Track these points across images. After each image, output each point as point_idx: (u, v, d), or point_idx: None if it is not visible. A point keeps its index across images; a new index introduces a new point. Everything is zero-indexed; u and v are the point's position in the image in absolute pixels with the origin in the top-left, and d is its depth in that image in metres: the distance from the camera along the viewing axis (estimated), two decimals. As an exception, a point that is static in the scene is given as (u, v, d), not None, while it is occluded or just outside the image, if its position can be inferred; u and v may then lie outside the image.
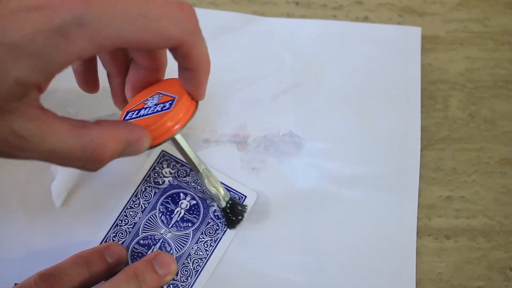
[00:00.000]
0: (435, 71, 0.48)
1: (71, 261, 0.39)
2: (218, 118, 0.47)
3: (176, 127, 0.37)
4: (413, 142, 0.46)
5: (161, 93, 0.38)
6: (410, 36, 0.49)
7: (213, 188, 0.42)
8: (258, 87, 0.47)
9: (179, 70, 0.36)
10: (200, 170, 0.42)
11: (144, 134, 0.35)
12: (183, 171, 0.45)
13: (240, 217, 0.43)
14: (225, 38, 0.49)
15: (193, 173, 0.44)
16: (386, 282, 0.42)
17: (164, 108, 0.37)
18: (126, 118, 0.38)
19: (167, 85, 0.39)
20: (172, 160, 0.45)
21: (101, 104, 0.46)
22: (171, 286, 0.42)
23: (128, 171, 0.45)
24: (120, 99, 0.41)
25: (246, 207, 0.44)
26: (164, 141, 0.37)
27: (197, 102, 0.38)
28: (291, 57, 0.48)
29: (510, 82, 0.48)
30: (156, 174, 0.45)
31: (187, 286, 0.42)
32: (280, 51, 0.48)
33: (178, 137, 0.39)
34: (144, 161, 0.45)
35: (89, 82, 0.40)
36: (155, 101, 0.38)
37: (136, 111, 0.38)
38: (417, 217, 0.44)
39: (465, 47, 0.49)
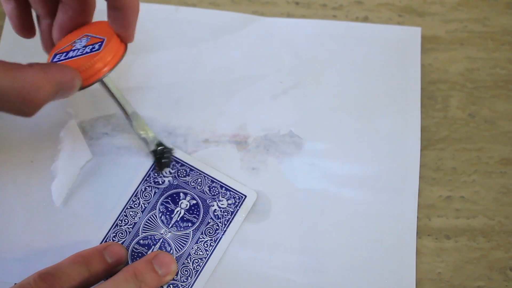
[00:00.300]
0: (435, 71, 0.48)
1: (71, 260, 0.39)
2: (218, 118, 0.47)
3: (105, 69, 0.37)
4: (413, 142, 0.46)
5: (89, 35, 0.38)
6: (410, 36, 0.49)
7: (142, 131, 0.43)
8: (258, 87, 0.47)
9: (108, 10, 0.36)
10: (129, 113, 0.42)
11: (76, 75, 0.36)
12: (183, 171, 0.45)
13: (167, 160, 0.44)
14: (225, 38, 0.49)
15: (193, 172, 0.44)
16: (386, 282, 0.42)
17: (93, 50, 0.37)
18: (54, 60, 0.38)
19: (96, 27, 0.39)
20: (172, 160, 0.45)
21: (100, 105, 0.46)
22: (171, 286, 0.42)
23: (128, 171, 0.45)
24: (49, 42, 0.40)
25: (173, 150, 0.44)
26: (93, 83, 0.37)
27: (126, 44, 0.38)
28: (291, 57, 0.48)
29: (510, 82, 0.48)
30: (156, 174, 0.45)
31: (187, 286, 0.42)
32: (280, 51, 0.48)
33: (106, 79, 0.39)
34: (144, 161, 0.45)
35: (24, 26, 0.40)
36: (83, 43, 0.38)
37: (65, 53, 0.38)
38: (417, 217, 0.44)
39: (465, 47, 0.49)
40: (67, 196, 0.44)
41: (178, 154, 0.45)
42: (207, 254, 0.43)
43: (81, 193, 0.45)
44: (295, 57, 0.48)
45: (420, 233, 0.44)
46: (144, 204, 0.44)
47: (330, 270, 0.43)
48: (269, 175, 0.45)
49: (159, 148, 0.44)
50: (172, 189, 0.44)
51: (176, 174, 0.45)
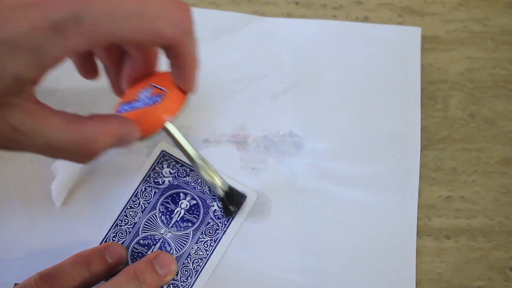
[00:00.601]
0: (435, 71, 0.48)
1: (71, 261, 0.39)
2: (218, 118, 0.47)
3: (166, 118, 0.38)
4: (413, 142, 0.46)
5: (153, 86, 0.39)
6: (410, 36, 0.49)
7: (210, 178, 0.42)
8: (258, 87, 0.47)
9: (170, 66, 0.37)
10: (196, 161, 0.42)
11: (135, 127, 0.36)
12: (183, 171, 0.45)
13: (237, 206, 0.43)
14: (225, 38, 0.49)
15: (193, 173, 0.44)
16: (386, 282, 0.42)
17: (155, 101, 0.38)
18: (121, 110, 0.39)
19: (159, 78, 0.40)
20: (172, 160, 0.45)
21: (101, 104, 0.46)
22: (171, 286, 0.42)
23: (128, 171, 0.45)
24: (118, 90, 0.41)
25: (244, 196, 0.44)
26: (155, 132, 0.38)
27: (187, 94, 0.39)
28: (291, 57, 0.48)
29: (510, 82, 0.48)
30: (156, 174, 0.45)
31: (187, 286, 0.42)
32: (280, 51, 0.48)
33: (171, 128, 0.40)
34: (144, 161, 0.45)
35: (88, 71, 0.41)
36: (147, 94, 0.39)
37: (130, 104, 0.39)
38: (417, 217, 0.44)
39: (465, 47, 0.49)
40: (67, 196, 0.44)
41: (177, 154, 0.45)
42: (207, 254, 0.43)
43: (81, 193, 0.44)
44: (295, 57, 0.48)
45: (420, 233, 0.44)
46: (144, 204, 0.44)
47: (330, 270, 0.43)
48: (269, 175, 0.45)
49: (228, 193, 0.43)
50: (172, 189, 0.44)
51: (176, 175, 0.45)
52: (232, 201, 0.43)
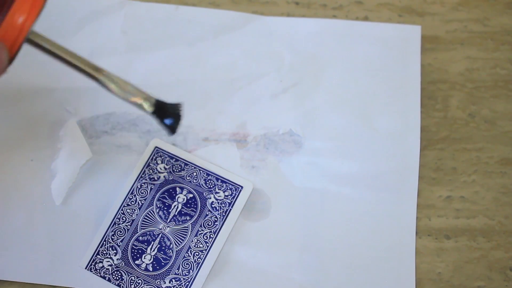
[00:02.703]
0: (435, 71, 0.48)
1: None
2: (218, 116, 0.47)
3: (27, 23, 0.32)
4: (413, 141, 0.46)
5: None
6: (410, 35, 0.49)
7: (128, 95, 0.35)
8: (257, 86, 0.47)
9: None
10: (97, 76, 0.34)
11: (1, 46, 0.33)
12: (178, 166, 0.45)
13: (177, 118, 0.37)
14: (225, 37, 0.49)
15: (187, 167, 0.44)
16: (386, 282, 0.42)
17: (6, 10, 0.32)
18: None
19: None
20: (166, 155, 0.45)
21: (100, 103, 0.47)
22: (173, 280, 0.42)
23: (128, 170, 0.45)
24: None
25: (179, 105, 0.37)
26: (20, 45, 0.32)
27: None
28: (290, 56, 0.48)
29: (510, 82, 0.48)
30: (151, 171, 0.45)
31: (189, 280, 0.42)
32: (279, 50, 0.48)
33: (38, 39, 0.33)
34: (138, 159, 0.45)
35: None
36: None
37: None
38: (417, 217, 0.44)
39: (465, 47, 0.49)
40: (67, 195, 0.44)
41: (171, 149, 0.45)
42: (207, 246, 0.42)
43: (81, 192, 0.45)
44: (295, 56, 0.48)
45: (420, 233, 0.44)
46: (141, 201, 0.44)
47: (329, 269, 0.43)
48: (268, 173, 0.45)
49: (158, 106, 0.36)
50: (168, 185, 0.44)
51: (171, 170, 0.44)
52: (167, 113, 0.37)
